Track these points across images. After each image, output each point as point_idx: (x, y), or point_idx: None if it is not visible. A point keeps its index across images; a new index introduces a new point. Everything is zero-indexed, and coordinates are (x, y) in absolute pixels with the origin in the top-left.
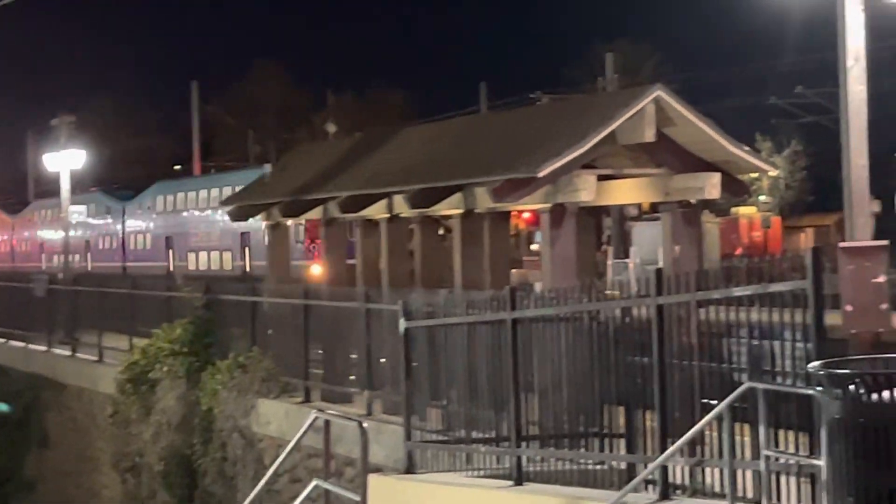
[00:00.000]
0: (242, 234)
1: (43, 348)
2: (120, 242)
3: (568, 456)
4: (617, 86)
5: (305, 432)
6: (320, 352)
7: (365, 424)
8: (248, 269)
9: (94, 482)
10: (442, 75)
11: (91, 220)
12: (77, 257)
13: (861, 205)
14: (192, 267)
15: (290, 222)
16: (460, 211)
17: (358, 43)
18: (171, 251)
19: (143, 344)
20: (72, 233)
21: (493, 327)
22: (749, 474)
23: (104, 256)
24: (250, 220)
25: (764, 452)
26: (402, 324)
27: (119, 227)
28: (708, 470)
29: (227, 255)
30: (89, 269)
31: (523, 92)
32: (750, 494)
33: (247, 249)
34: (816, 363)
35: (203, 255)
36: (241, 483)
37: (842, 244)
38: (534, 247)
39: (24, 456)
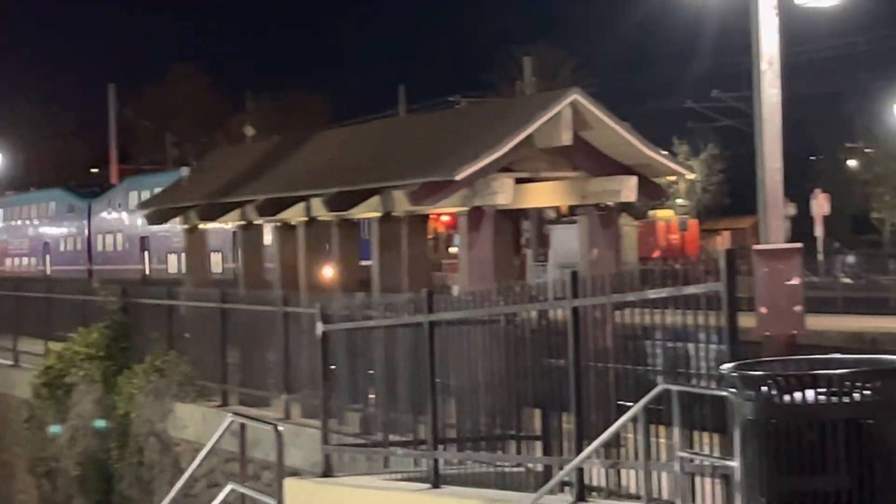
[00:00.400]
0: (234, 233)
1: None
2: (85, 243)
3: (485, 458)
4: (535, 89)
5: (221, 436)
6: (238, 355)
7: (281, 428)
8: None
9: (10, 487)
10: (360, 79)
11: (51, 220)
12: (33, 260)
13: (775, 207)
14: (172, 270)
15: (204, 226)
16: (378, 214)
17: (275, 47)
18: (146, 253)
19: (59, 348)
20: (28, 233)
21: (411, 330)
22: (665, 475)
23: (66, 259)
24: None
25: (679, 454)
26: (320, 327)
27: (84, 226)
28: (624, 471)
29: (217, 257)
30: (48, 273)
31: (442, 95)
32: (666, 496)
33: (240, 251)
34: (729, 365)
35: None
36: (158, 488)
37: (756, 247)
38: (453, 250)
39: None
